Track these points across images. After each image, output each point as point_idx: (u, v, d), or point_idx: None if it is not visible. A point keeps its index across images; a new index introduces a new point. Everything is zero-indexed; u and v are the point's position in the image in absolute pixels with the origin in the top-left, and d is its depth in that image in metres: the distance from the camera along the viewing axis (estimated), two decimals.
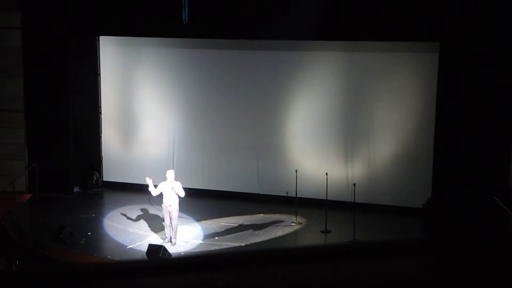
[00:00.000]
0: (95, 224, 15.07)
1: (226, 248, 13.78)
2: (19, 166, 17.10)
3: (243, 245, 13.93)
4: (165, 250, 12.85)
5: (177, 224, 13.65)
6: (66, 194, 16.83)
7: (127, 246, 13.80)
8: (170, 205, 13.44)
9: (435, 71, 15.01)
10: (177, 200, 13.50)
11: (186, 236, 14.37)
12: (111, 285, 1.76)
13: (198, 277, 1.79)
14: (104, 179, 17.78)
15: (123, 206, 16.03)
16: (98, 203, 16.74)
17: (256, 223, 15.18)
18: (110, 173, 17.82)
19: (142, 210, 15.74)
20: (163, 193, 13.48)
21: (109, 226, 14.91)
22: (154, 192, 13.49)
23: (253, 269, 1.81)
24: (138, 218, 15.26)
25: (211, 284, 1.78)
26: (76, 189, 17.29)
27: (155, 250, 12.81)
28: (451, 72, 14.57)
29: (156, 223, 14.66)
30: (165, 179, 13.52)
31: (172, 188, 13.37)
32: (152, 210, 15.47)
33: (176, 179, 13.43)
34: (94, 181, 17.34)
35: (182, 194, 13.48)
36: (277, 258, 1.85)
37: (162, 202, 13.60)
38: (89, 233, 14.47)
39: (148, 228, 14.69)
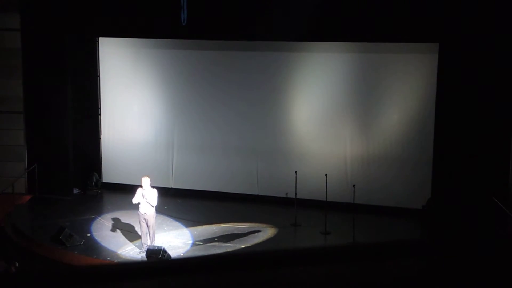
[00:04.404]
0: (95, 226, 15.06)
1: (226, 249, 13.77)
2: (19, 167, 17.09)
3: (242, 246, 13.93)
4: (165, 251, 12.82)
5: (154, 232, 13.30)
6: (65, 196, 16.81)
7: (126, 248, 13.79)
8: (145, 213, 13.08)
9: (434, 72, 15.01)
10: (152, 208, 13.09)
11: (185, 238, 14.37)
12: (111, 287, 1.76)
13: (197, 278, 1.79)
14: (104, 181, 17.76)
15: (122, 207, 15.97)
16: (97, 204, 16.71)
17: (256, 224, 15.17)
18: (109, 175, 17.80)
19: None
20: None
21: (108, 228, 14.89)
22: (134, 200, 13.17)
23: (253, 270, 1.81)
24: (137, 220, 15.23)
25: (210, 286, 1.78)
26: (75, 191, 17.28)
27: (154, 252, 12.79)
28: (450, 73, 14.59)
29: (156, 225, 14.64)
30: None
31: (143, 196, 13.03)
32: None
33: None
34: (93, 183, 17.32)
35: (153, 203, 13.02)
36: (276, 260, 1.85)
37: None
38: (89, 235, 14.46)
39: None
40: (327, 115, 16.16)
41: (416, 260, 1.89)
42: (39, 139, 16.94)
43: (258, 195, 16.80)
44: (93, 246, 13.94)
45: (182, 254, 13.44)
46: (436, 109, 14.98)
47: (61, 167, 16.90)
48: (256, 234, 14.64)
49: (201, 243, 14.12)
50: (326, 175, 14.92)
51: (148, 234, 13.25)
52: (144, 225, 13.20)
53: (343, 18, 14.59)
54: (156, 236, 13.52)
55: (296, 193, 15.29)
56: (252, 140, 16.73)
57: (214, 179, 17.07)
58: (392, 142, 15.81)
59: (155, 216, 13.30)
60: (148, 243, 13.20)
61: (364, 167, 16.00)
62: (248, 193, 16.81)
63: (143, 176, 13.36)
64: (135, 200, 13.17)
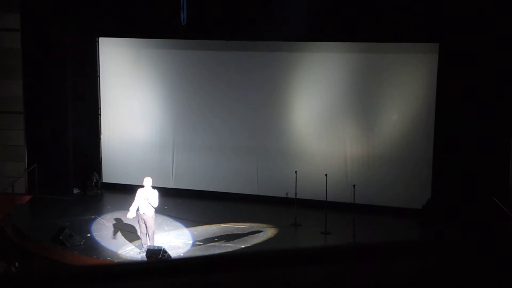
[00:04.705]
0: (95, 226, 15.06)
1: (226, 249, 13.77)
2: (19, 167, 17.10)
3: (242, 246, 13.93)
4: (165, 251, 12.81)
5: (154, 233, 13.23)
6: (65, 196, 16.81)
7: (126, 248, 13.78)
8: (144, 213, 12.98)
9: (434, 72, 15.01)
10: (152, 209, 13.01)
11: (185, 238, 14.36)
12: (110, 287, 1.76)
13: (197, 278, 1.79)
14: (104, 181, 17.76)
15: (122, 207, 15.96)
16: (97, 204, 16.71)
17: (256, 224, 15.17)
18: (109, 175, 17.80)
19: None
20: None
21: (108, 228, 14.89)
22: (133, 206, 12.99)
23: (253, 270, 1.81)
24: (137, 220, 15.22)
25: (210, 286, 1.78)
26: (75, 191, 17.28)
27: (154, 252, 12.78)
28: (450, 73, 14.59)
29: (156, 225, 14.63)
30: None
31: (145, 198, 12.92)
32: None
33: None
34: (93, 183, 17.32)
35: (155, 204, 12.93)
36: (276, 260, 1.84)
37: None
38: (89, 235, 14.46)
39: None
40: (327, 115, 16.16)
41: (416, 260, 1.89)
42: (39, 139, 16.93)
43: (258, 195, 16.80)
44: (93, 246, 13.93)
45: (182, 254, 13.44)
46: (436, 109, 14.98)
47: (61, 167, 16.89)
48: (256, 234, 14.64)
49: (201, 243, 14.12)
50: (326, 175, 14.92)
51: (147, 235, 13.24)
52: (143, 225, 13.17)
53: (343, 18, 14.59)
54: (156, 236, 13.49)
55: (296, 193, 15.29)
56: (252, 140, 16.73)
57: (214, 179, 17.07)
58: (392, 142, 15.81)
59: (153, 217, 13.24)
60: (148, 243, 13.19)
61: (364, 167, 16.01)
62: (248, 193, 16.81)
63: (145, 177, 13.30)
64: (135, 205, 13.00)
